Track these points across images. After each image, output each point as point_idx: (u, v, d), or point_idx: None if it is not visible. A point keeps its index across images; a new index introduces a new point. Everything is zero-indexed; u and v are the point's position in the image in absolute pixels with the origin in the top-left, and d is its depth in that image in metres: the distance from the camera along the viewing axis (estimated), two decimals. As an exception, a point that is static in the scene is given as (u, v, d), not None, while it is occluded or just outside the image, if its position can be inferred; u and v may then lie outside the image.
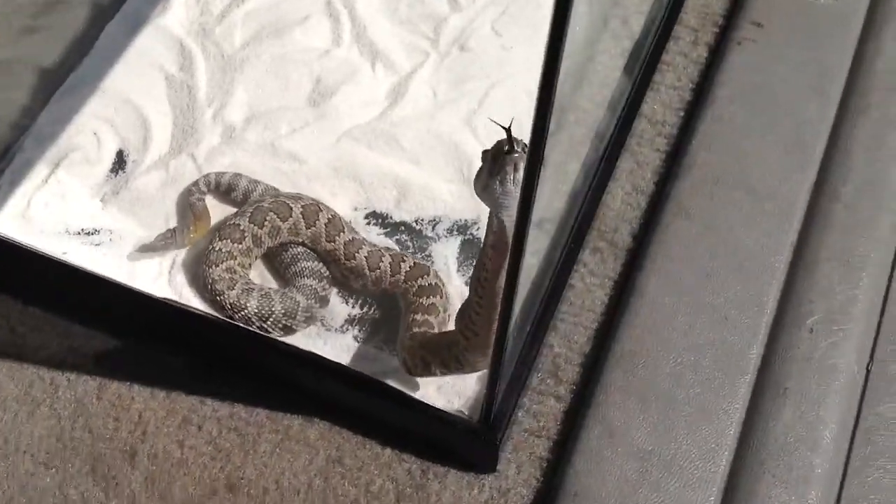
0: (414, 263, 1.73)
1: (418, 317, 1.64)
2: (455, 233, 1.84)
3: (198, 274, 1.75)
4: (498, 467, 1.61)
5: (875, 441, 1.61)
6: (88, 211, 1.85)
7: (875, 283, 1.76)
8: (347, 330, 1.74)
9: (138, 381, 1.73)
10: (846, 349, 1.68)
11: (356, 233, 1.79)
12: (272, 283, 1.79)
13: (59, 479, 1.64)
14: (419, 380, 1.67)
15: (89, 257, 1.78)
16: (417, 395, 1.65)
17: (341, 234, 1.75)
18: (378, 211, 1.86)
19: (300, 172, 1.87)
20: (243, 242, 1.73)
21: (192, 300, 1.74)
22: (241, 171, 1.86)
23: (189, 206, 1.80)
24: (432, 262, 1.80)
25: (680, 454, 1.60)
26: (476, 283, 1.40)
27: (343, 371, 1.64)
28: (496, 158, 1.25)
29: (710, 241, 1.82)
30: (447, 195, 1.87)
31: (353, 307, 1.77)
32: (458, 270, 1.80)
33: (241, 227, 1.74)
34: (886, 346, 1.71)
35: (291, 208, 1.75)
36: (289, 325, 1.70)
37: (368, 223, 1.85)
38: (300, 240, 1.77)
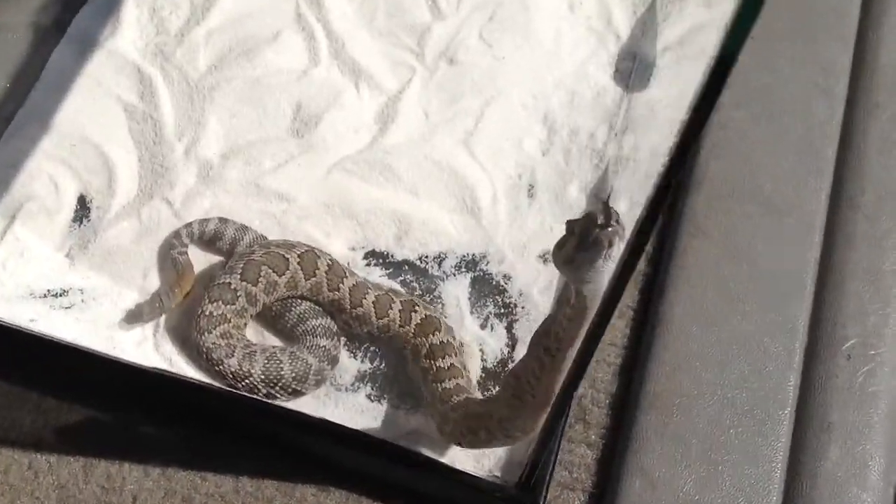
0: (425, 316, 1.59)
1: (448, 384, 1.50)
2: (464, 269, 1.70)
3: (188, 338, 1.58)
4: (536, 530, 1.50)
5: (923, 472, 1.55)
6: (54, 269, 1.65)
7: (905, 299, 1.69)
8: (359, 388, 1.60)
9: (129, 458, 1.57)
10: (884, 374, 1.61)
11: (357, 276, 1.63)
12: (271, 340, 1.63)
13: (54, 585, 1.48)
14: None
15: (61, 323, 1.59)
16: (444, 458, 1.52)
17: (344, 280, 1.60)
18: (378, 250, 1.71)
19: (289, 212, 1.70)
20: (236, 303, 1.57)
21: (184, 367, 1.57)
22: (225, 215, 1.68)
23: (171, 262, 1.62)
24: (442, 305, 1.66)
25: (726, 502, 1.51)
26: (541, 352, 1.26)
27: (360, 438, 1.50)
28: (587, 233, 1.08)
29: (731, 263, 1.73)
30: (451, 228, 1.72)
31: (361, 361, 1.62)
32: (472, 312, 1.66)
33: (233, 286, 1.57)
34: (923, 368, 1.64)
35: (287, 259, 1.59)
36: (299, 388, 1.55)
37: (368, 264, 1.70)
38: (299, 293, 1.61)
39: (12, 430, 1.58)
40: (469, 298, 1.67)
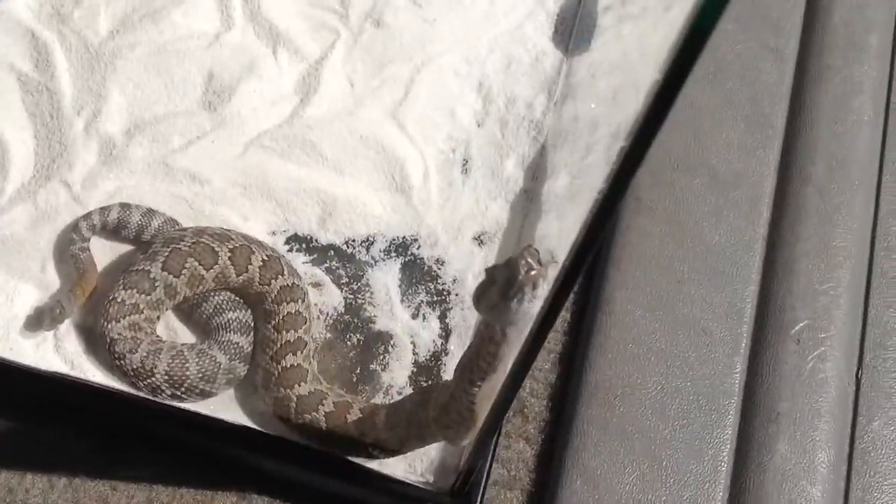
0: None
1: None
2: (393, 254, 1.58)
3: (93, 335, 1.44)
4: (471, 535, 1.42)
5: (872, 462, 1.49)
6: (-60, 261, 1.50)
7: (856, 278, 1.62)
8: (281, 387, 1.48)
9: (32, 468, 1.45)
10: (835, 359, 1.54)
11: (298, 277, 1.50)
12: (185, 334, 1.50)
13: None
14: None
15: (-50, 322, 1.45)
16: (373, 464, 1.42)
17: (279, 277, 1.47)
18: (300, 233, 1.58)
19: (202, 195, 1.56)
20: (152, 294, 1.43)
21: (88, 369, 1.44)
22: (130, 200, 1.53)
23: (71, 259, 1.48)
24: (371, 293, 1.54)
25: (672, 501, 1.44)
26: (467, 385, 1.17)
27: (280, 444, 1.39)
28: (511, 282, 1.04)
29: (676, 241, 1.63)
30: (380, 208, 1.60)
31: (283, 357, 1.50)
32: (403, 301, 1.54)
33: (152, 275, 1.43)
34: (874, 351, 1.57)
35: (217, 254, 1.45)
36: (207, 389, 1.43)
37: (290, 249, 1.57)
38: (229, 288, 1.48)
39: None
40: (399, 286, 1.55)
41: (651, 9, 1.81)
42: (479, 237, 1.61)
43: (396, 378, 1.49)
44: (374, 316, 1.53)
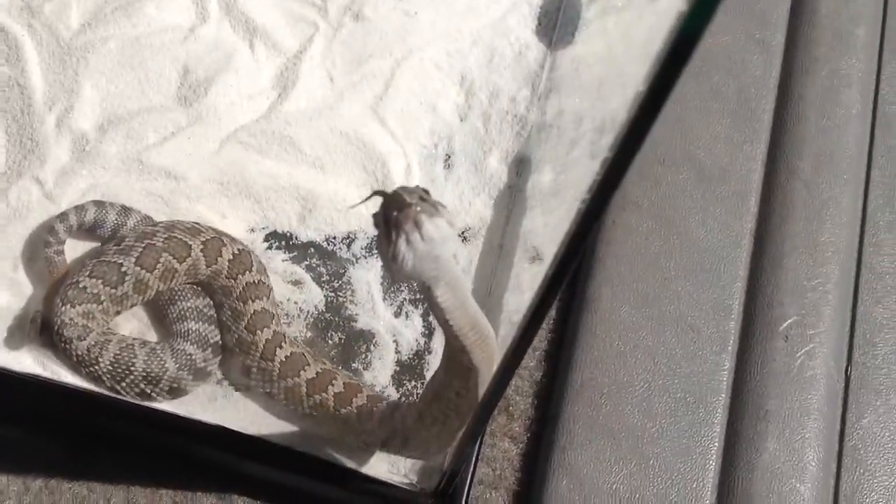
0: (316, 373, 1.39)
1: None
2: (375, 251, 1.54)
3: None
4: (456, 536, 1.39)
5: (862, 460, 1.47)
6: None
7: (844, 274, 1.60)
8: (260, 387, 1.44)
9: (6, 470, 1.42)
10: (823, 356, 1.52)
11: (266, 275, 1.47)
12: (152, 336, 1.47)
13: None
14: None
15: (-83, 323, 1.41)
16: (355, 463, 1.39)
17: (246, 272, 1.43)
18: (280, 231, 1.54)
19: (178, 192, 1.52)
20: (119, 287, 1.39)
21: (60, 370, 1.40)
22: (103, 198, 1.49)
23: (45, 262, 1.43)
24: (352, 291, 1.51)
25: (659, 500, 1.41)
26: (444, 404, 1.15)
27: (260, 445, 1.36)
28: (389, 222, 1.03)
29: (662, 237, 1.61)
30: (360, 205, 1.56)
31: (262, 357, 1.47)
32: (385, 299, 1.51)
33: (124, 269, 1.39)
34: (863, 347, 1.55)
35: (190, 247, 1.41)
36: (147, 391, 1.39)
37: (270, 247, 1.53)
38: (198, 280, 1.44)
39: None
40: (381, 284, 1.52)
41: (636, 0, 1.79)
42: (462, 233, 1.58)
43: (379, 377, 1.46)
44: (356, 314, 1.50)
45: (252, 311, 1.40)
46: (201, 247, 1.41)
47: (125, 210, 1.48)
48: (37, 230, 1.47)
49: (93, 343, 1.37)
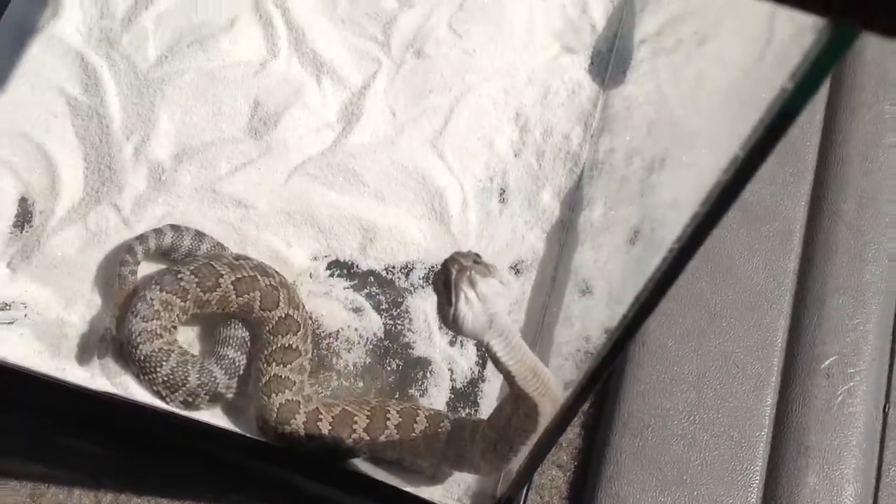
0: (367, 416, 1.45)
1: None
2: (431, 282, 1.61)
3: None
4: (507, 561, 1.45)
5: (900, 496, 1.52)
6: (-6, 281, 1.54)
7: (884, 314, 1.65)
8: (322, 410, 1.52)
9: (79, 484, 1.51)
10: (863, 394, 1.57)
11: (301, 312, 1.53)
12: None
13: None
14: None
15: (3, 340, 1.49)
16: (411, 487, 1.45)
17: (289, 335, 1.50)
18: (342, 259, 1.62)
19: (248, 220, 1.60)
20: (184, 302, 1.49)
21: (132, 387, 1.48)
22: (178, 223, 1.57)
23: (118, 279, 1.52)
24: (410, 320, 1.58)
25: (702, 529, 1.47)
26: (505, 439, 1.23)
27: (320, 466, 1.43)
28: (447, 283, 1.13)
29: (709, 274, 1.67)
30: (419, 236, 1.64)
31: (324, 380, 1.54)
32: (441, 328, 1.58)
33: (184, 284, 1.49)
34: (902, 386, 1.61)
35: (220, 277, 1.49)
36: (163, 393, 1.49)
37: (332, 274, 1.61)
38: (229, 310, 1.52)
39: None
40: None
41: (685, 42, 1.85)
42: (515, 266, 1.64)
43: (435, 403, 1.53)
44: (413, 342, 1.57)
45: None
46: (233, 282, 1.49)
47: (199, 235, 1.56)
48: (114, 251, 1.55)
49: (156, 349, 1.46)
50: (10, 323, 1.51)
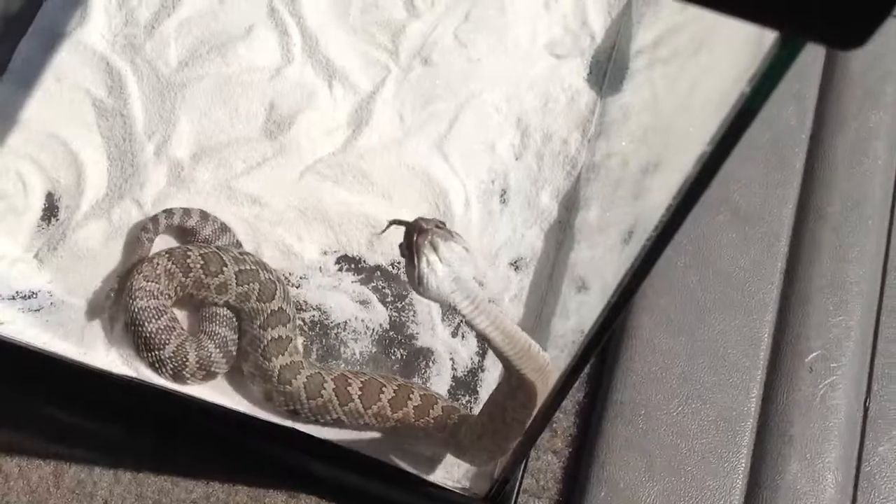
0: (394, 391, 1.53)
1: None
2: (435, 276, 1.70)
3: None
4: (501, 537, 1.54)
5: (877, 485, 1.60)
6: (22, 271, 1.63)
7: (866, 312, 1.73)
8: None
9: (99, 463, 1.58)
10: (845, 387, 1.65)
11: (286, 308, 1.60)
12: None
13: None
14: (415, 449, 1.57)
15: (30, 326, 1.58)
16: (413, 468, 1.54)
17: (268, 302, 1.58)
18: (350, 254, 1.71)
19: (262, 217, 1.69)
20: (186, 277, 1.58)
21: (149, 373, 1.57)
22: (201, 215, 1.67)
23: (136, 242, 1.63)
24: (414, 312, 1.67)
25: (689, 513, 1.55)
26: (509, 420, 1.30)
27: (327, 447, 1.51)
28: (409, 248, 1.17)
29: (699, 272, 1.75)
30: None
31: (332, 368, 1.63)
32: (443, 320, 1.67)
33: (190, 262, 1.59)
34: (881, 381, 1.68)
35: (224, 267, 1.58)
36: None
37: (340, 269, 1.70)
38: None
39: (-20, 434, 1.58)
40: (440, 307, 1.68)
41: (680, 53, 1.94)
42: (515, 263, 1.73)
43: (437, 390, 1.61)
44: (417, 333, 1.66)
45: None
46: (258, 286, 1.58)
47: (223, 228, 1.65)
48: (138, 223, 1.66)
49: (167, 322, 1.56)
50: (37, 310, 1.60)
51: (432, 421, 1.50)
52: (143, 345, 1.54)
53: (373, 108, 1.80)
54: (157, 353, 1.54)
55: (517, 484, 1.53)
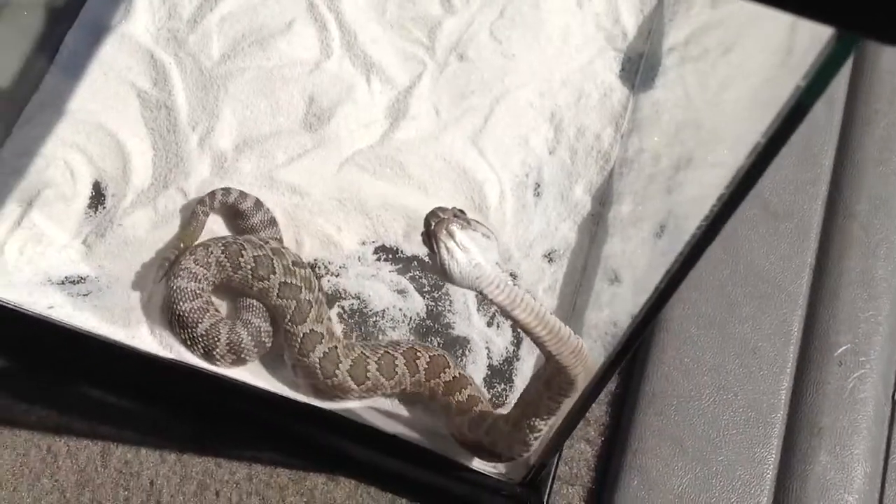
0: (430, 359, 1.59)
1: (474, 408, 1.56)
2: (471, 267, 1.73)
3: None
4: (535, 522, 1.57)
5: (906, 476, 1.63)
6: (71, 256, 1.68)
7: (894, 307, 1.76)
8: (369, 382, 1.64)
9: (146, 444, 1.63)
10: (873, 381, 1.68)
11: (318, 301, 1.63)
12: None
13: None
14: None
15: (78, 310, 1.62)
16: (450, 454, 1.57)
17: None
18: (388, 245, 1.75)
19: (302, 206, 1.73)
20: (238, 271, 1.62)
21: (191, 356, 1.61)
22: (239, 211, 1.72)
23: (192, 215, 1.68)
24: (450, 302, 1.71)
25: (719, 502, 1.58)
26: (532, 423, 1.34)
27: (371, 433, 1.55)
28: (428, 236, 1.21)
29: (730, 266, 1.78)
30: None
31: (371, 355, 1.67)
32: (479, 310, 1.71)
33: (244, 260, 1.63)
34: (909, 375, 1.71)
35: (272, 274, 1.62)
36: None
37: (378, 258, 1.74)
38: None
39: (32, 414, 1.63)
40: (476, 296, 1.71)
41: (712, 51, 1.97)
42: (548, 255, 1.76)
43: (473, 379, 1.65)
44: (453, 322, 1.69)
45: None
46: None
47: (271, 221, 1.69)
48: (194, 199, 1.71)
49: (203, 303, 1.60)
50: (85, 295, 1.65)
51: (465, 399, 1.53)
52: (176, 322, 1.59)
53: (409, 102, 1.84)
54: (189, 330, 1.58)
55: (552, 470, 1.56)
